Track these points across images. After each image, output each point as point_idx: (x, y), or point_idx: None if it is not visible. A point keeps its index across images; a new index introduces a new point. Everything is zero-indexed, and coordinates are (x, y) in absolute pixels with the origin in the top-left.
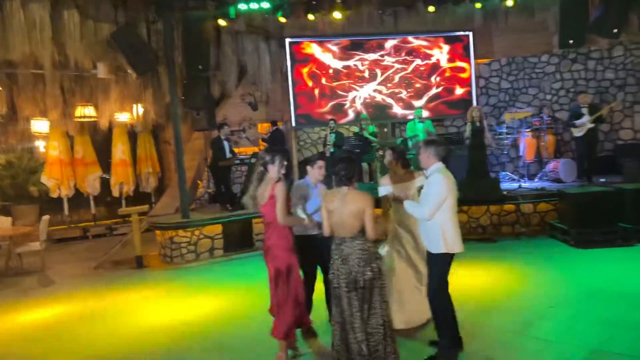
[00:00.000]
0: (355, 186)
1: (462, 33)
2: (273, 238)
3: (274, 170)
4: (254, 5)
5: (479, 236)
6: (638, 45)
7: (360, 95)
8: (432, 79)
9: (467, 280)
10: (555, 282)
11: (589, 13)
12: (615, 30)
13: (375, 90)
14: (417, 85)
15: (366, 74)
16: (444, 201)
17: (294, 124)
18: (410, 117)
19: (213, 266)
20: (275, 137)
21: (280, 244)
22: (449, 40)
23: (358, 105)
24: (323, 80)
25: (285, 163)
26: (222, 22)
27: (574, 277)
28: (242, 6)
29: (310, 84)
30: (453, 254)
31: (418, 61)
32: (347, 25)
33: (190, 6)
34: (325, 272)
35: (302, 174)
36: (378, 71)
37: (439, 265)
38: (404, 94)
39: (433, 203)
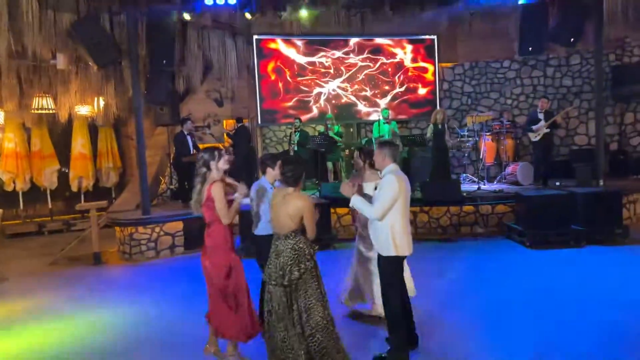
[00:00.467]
0: (300, 188)
1: (427, 37)
2: (213, 238)
3: (214, 166)
4: (220, 1)
5: (439, 236)
6: (593, 55)
7: (324, 91)
8: (396, 77)
9: (426, 279)
10: (510, 281)
11: (548, 22)
12: (572, 40)
13: (339, 88)
14: (381, 83)
15: (331, 71)
16: (396, 202)
17: (259, 121)
18: (376, 117)
19: (173, 263)
20: (240, 133)
21: (219, 243)
22: (412, 41)
23: (322, 102)
24: (287, 76)
25: (226, 157)
26: (187, 17)
27: (528, 277)
28: (208, 1)
29: (273, 77)
30: (403, 257)
31: (383, 59)
32: (315, 24)
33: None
34: None
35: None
36: (342, 68)
37: (389, 267)
38: (368, 92)
39: (384, 203)
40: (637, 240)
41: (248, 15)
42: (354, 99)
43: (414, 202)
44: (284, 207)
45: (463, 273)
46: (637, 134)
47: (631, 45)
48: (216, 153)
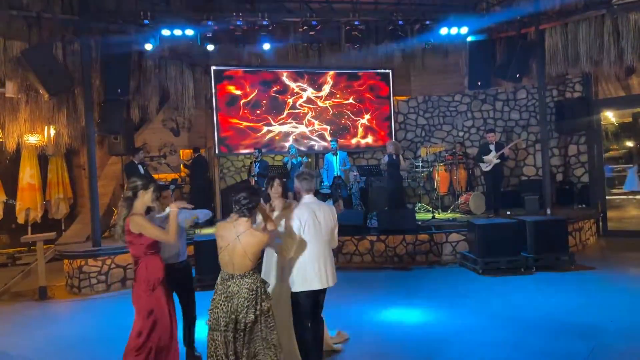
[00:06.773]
0: (255, 219)
1: (382, 71)
2: (138, 275)
3: (146, 197)
4: (177, 32)
5: (396, 265)
6: (537, 90)
7: (283, 130)
8: (360, 114)
9: (379, 309)
10: (462, 308)
11: (495, 58)
12: (518, 75)
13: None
14: (343, 119)
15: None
16: (303, 236)
17: (217, 151)
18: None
19: (125, 297)
20: (197, 163)
21: (142, 283)
22: (378, 76)
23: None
24: (244, 106)
25: (160, 194)
26: (148, 47)
27: (480, 304)
28: (165, 32)
29: (233, 113)
30: (315, 290)
31: (351, 99)
32: (274, 57)
33: (110, 29)
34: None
35: (225, 201)
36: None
37: (299, 302)
38: (328, 129)
39: (290, 238)
40: (582, 267)
41: (210, 47)
42: (314, 136)
43: (372, 230)
44: (239, 246)
45: (418, 300)
46: (580, 165)
47: (572, 81)
48: (152, 186)
